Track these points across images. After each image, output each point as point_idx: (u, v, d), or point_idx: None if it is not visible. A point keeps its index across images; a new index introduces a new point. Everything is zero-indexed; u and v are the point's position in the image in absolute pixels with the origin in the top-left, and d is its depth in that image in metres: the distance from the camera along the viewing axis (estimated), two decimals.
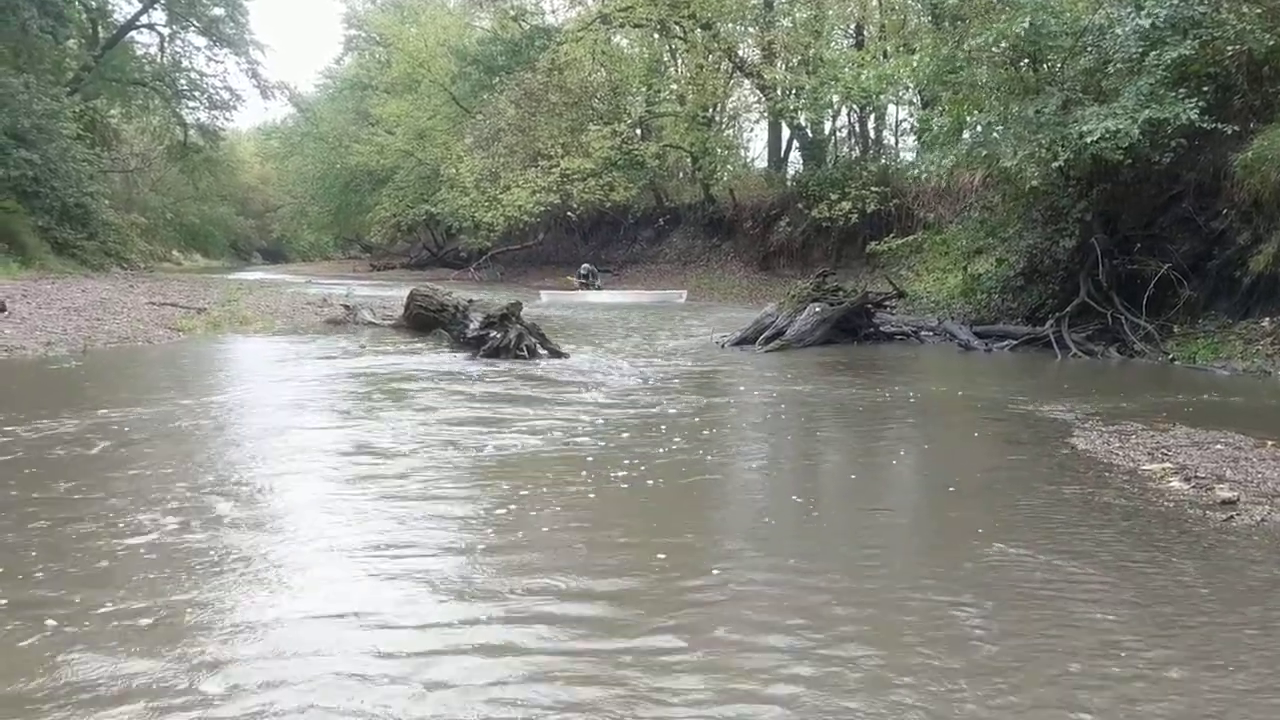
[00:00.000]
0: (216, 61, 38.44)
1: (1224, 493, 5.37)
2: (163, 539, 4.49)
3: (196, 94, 38.33)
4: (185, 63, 38.13)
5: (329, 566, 4.21)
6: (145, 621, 3.53)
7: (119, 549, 4.35)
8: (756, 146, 39.25)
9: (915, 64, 14.83)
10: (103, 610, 3.63)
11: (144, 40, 38.14)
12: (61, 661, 3.21)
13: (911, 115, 25.57)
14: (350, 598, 3.82)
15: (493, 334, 12.10)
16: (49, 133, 25.43)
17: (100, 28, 34.96)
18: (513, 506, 5.16)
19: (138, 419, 7.42)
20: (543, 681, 3.13)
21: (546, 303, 25.75)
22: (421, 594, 3.89)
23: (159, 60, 37.87)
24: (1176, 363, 11.85)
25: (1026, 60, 14.01)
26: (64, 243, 25.90)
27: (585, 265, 32.11)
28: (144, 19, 36.19)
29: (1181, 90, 11.60)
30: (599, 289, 30.18)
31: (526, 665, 3.25)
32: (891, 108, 29.47)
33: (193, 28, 36.61)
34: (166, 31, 37.05)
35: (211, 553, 4.29)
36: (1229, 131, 11.60)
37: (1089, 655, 3.36)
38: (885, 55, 22.51)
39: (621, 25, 32.06)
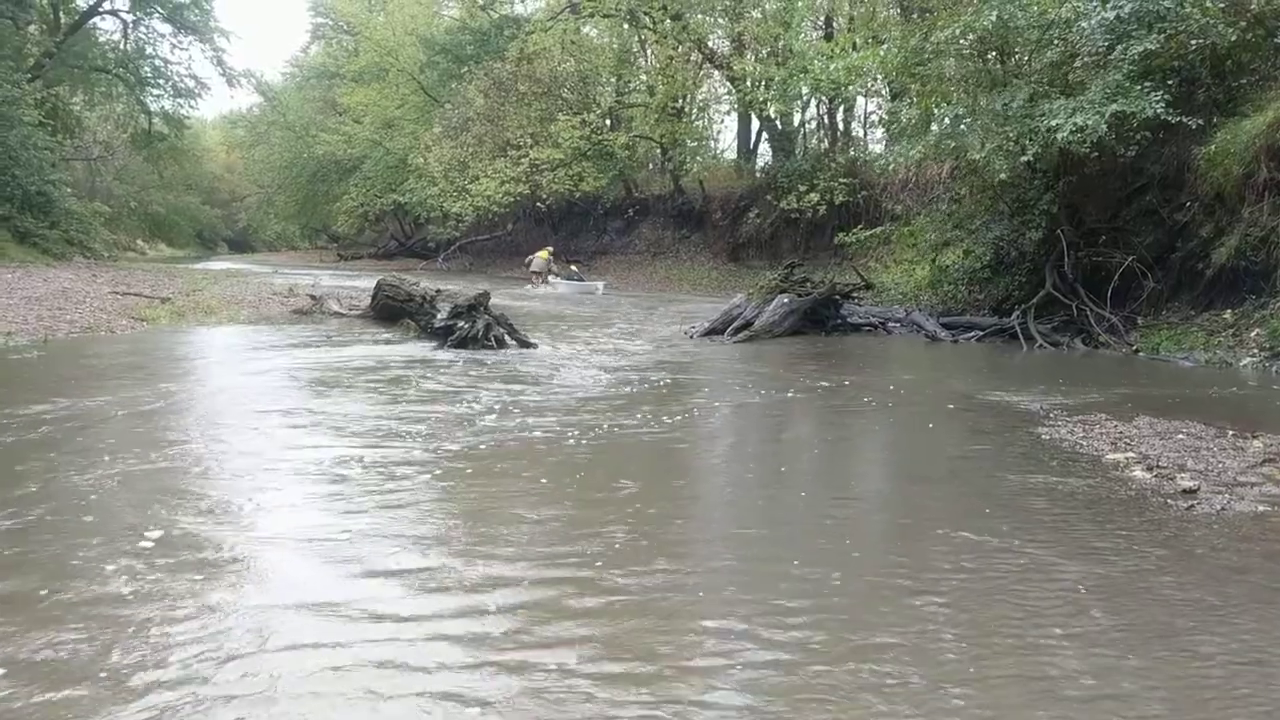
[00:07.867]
0: (181, 49, 38.03)
1: (1185, 482, 5.42)
2: (117, 532, 4.43)
3: (160, 81, 37.72)
4: (149, 50, 37.50)
5: (280, 553, 4.16)
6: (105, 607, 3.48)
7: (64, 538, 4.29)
8: (726, 138, 39.30)
9: (883, 55, 14.87)
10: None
11: (106, 27, 37.63)
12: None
13: (880, 107, 25.72)
14: (307, 586, 3.79)
15: (460, 324, 12.05)
16: (9, 119, 25.03)
17: (62, 13, 34.37)
18: (474, 496, 5.13)
19: (94, 407, 7.32)
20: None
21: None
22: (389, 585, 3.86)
23: (122, 47, 37.21)
24: (1140, 354, 11.97)
25: (994, 53, 14.10)
26: (25, 231, 25.53)
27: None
28: (106, 4, 35.49)
29: (1147, 84, 11.70)
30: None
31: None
32: (860, 100, 29.61)
33: (156, 14, 35.97)
34: (130, 18, 36.39)
35: (166, 546, 4.24)
36: (1193, 125, 11.72)
37: (1052, 640, 3.38)
38: (854, 47, 22.50)
39: (590, 15, 31.91)
